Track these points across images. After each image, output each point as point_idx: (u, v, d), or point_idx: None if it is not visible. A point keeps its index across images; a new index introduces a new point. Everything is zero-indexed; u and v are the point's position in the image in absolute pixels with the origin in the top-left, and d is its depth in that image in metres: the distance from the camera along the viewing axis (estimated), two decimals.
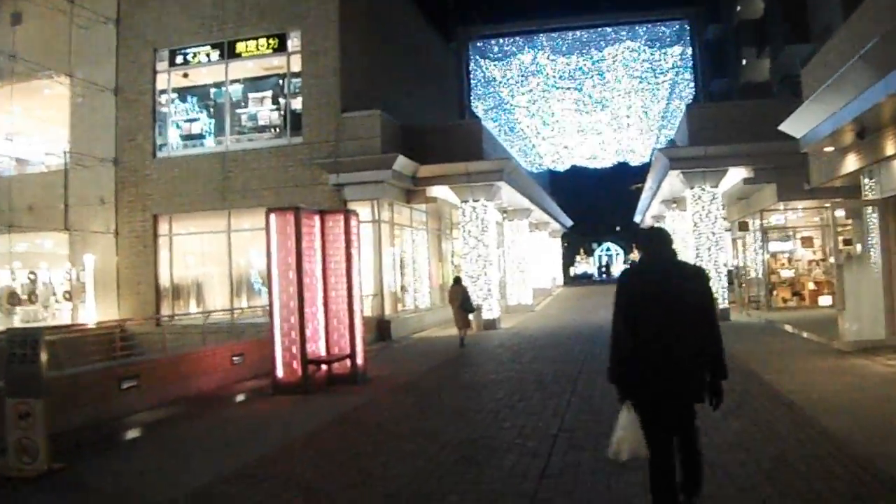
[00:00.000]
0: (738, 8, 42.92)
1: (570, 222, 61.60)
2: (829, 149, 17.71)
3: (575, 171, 60.41)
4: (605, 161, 55.85)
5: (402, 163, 24.92)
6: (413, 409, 12.06)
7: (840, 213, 27.92)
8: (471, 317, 22.68)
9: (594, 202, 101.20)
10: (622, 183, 68.10)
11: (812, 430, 8.92)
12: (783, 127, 18.66)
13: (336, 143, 25.26)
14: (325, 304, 14.99)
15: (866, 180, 17.34)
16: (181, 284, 27.51)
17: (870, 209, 16.83)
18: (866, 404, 10.38)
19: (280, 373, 14.07)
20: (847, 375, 12.77)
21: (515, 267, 36.96)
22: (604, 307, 37.27)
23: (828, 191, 23.00)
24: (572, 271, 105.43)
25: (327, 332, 15.02)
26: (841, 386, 11.84)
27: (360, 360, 15.15)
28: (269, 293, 14.26)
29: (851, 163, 17.32)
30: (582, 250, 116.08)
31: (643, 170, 46.06)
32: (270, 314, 14.18)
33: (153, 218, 27.29)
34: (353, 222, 15.29)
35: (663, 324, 5.51)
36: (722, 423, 9.05)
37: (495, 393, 12.77)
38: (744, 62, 43.32)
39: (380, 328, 24.22)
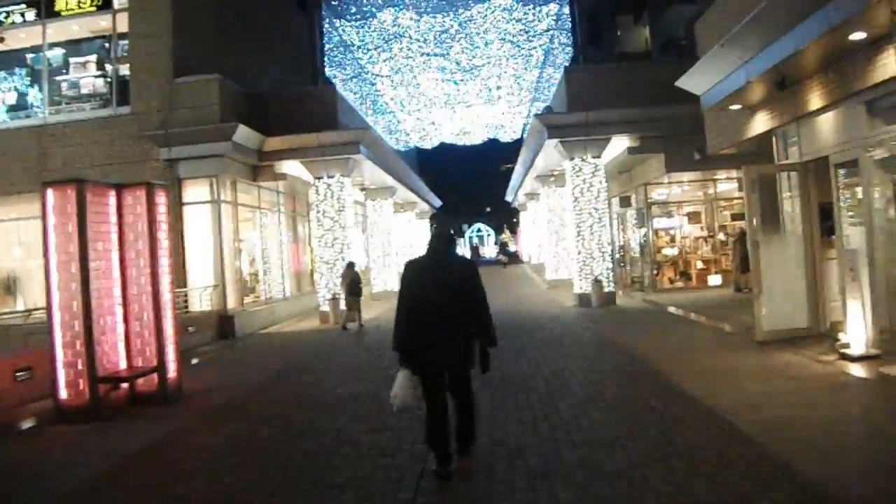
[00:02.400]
0: None
1: (439, 203, 58.95)
2: (736, 107, 15.26)
3: (443, 148, 57.80)
4: (474, 137, 53.28)
5: (244, 134, 21.53)
6: (226, 446, 8.79)
7: (729, 185, 26.25)
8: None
9: (464, 181, 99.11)
10: (493, 161, 66.22)
11: (783, 477, 6.17)
12: (681, 83, 16.10)
13: (168, 113, 21.65)
14: (125, 304, 11.60)
15: (779, 143, 14.93)
16: None
17: (785, 175, 14.39)
18: (831, 427, 7.74)
19: (63, 394, 10.70)
20: (781, 378, 10.20)
21: (380, 250, 33.84)
22: None
23: (721, 160, 20.90)
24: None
25: (128, 340, 11.64)
26: (785, 396, 9.20)
27: (171, 373, 11.87)
28: (47, 292, 10.79)
29: (762, 123, 14.90)
30: (452, 231, 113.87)
31: (515, 147, 43.64)
32: (49, 319, 10.74)
33: None
34: (160, 198, 11.94)
35: (431, 306, 6.84)
36: (666, 475, 6.43)
37: (337, 418, 9.64)
38: (618, 33, 41.22)
39: (221, 324, 20.93)
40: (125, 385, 11.43)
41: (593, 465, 6.87)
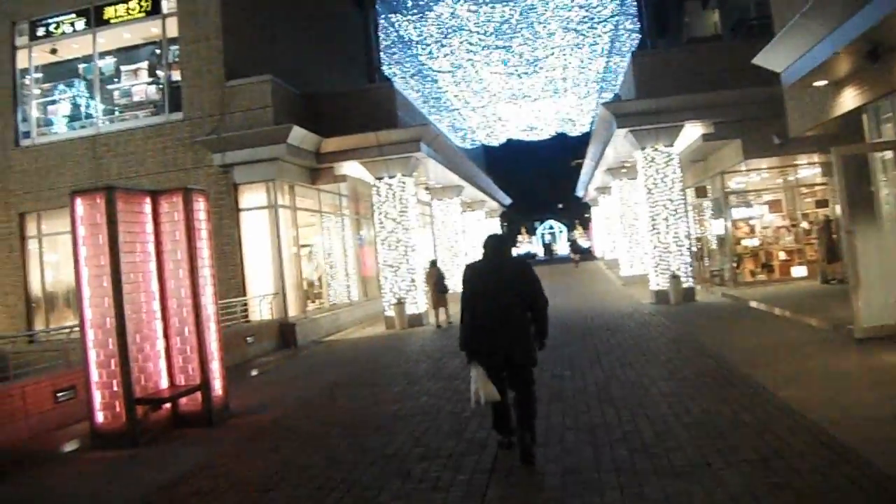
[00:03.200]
0: None
1: (508, 200, 57.85)
2: (822, 83, 13.95)
3: (511, 145, 56.63)
4: (542, 133, 51.83)
5: (299, 135, 20.79)
6: (261, 477, 7.86)
7: (811, 171, 24.75)
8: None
9: (534, 178, 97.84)
10: (562, 156, 65.05)
11: None
12: (758, 60, 14.82)
13: (221, 117, 21.08)
14: (165, 319, 10.84)
15: (871, 121, 13.57)
16: (56, 292, 23.33)
17: (879, 156, 13.04)
18: None
19: (99, 417, 10.01)
20: (893, 384, 8.94)
21: (448, 251, 32.89)
22: (551, 290, 33.35)
23: (803, 144, 19.64)
24: (515, 252, 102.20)
25: (169, 357, 10.88)
26: None
27: (217, 391, 11.08)
28: (79, 307, 10.09)
29: (851, 98, 13.55)
30: (524, 229, 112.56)
31: (584, 141, 42.26)
32: (82, 338, 10.04)
33: (19, 217, 23.24)
34: (199, 204, 11.13)
35: (494, 305, 7.37)
36: None
37: (388, 442, 8.68)
38: (686, 19, 39.65)
39: (283, 333, 20.30)
40: (167, 406, 10.69)
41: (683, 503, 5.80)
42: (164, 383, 10.79)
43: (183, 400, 10.80)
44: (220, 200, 20.75)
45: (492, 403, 7.39)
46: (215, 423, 10.76)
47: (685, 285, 21.65)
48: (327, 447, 8.76)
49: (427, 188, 30.73)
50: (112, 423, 9.92)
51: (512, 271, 7.62)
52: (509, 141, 54.34)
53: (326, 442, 9.04)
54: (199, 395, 10.77)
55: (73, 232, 10.01)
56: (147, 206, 10.78)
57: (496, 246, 7.81)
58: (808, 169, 24.55)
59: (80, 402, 11.00)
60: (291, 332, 20.34)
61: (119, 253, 9.89)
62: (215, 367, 11.08)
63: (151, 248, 10.77)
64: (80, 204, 10.02)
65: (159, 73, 22.58)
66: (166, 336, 10.85)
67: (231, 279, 20.67)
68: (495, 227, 61.22)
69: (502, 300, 7.35)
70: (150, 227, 10.78)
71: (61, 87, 23.65)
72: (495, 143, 54.15)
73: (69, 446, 10.16)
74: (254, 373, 16.33)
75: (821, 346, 12.10)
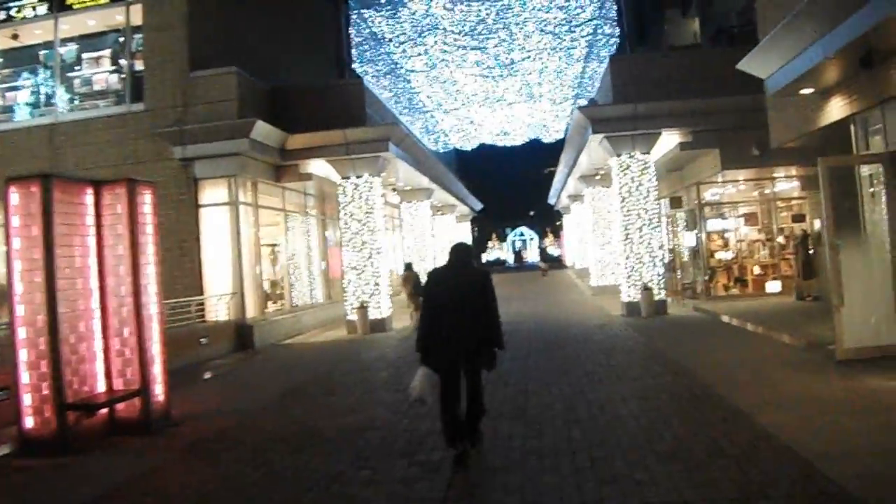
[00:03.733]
0: None
1: (479, 205, 57.22)
2: (807, 90, 13.40)
3: (484, 150, 56.03)
4: (515, 138, 51.34)
5: (263, 131, 20.04)
6: (195, 494, 7.15)
7: (788, 184, 24.31)
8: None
9: (506, 184, 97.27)
10: (535, 163, 64.47)
11: None
12: (742, 65, 14.24)
13: (183, 109, 20.27)
14: (104, 319, 10.05)
15: (859, 132, 13.02)
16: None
17: (866, 170, 12.48)
18: None
19: (28, 423, 9.23)
20: (882, 412, 8.34)
21: (416, 254, 32.17)
22: (518, 299, 33.14)
23: (783, 156, 19.29)
24: (484, 258, 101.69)
25: (107, 359, 10.08)
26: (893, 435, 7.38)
27: (158, 397, 10.29)
28: (10, 303, 9.29)
29: (838, 108, 13.01)
30: (494, 236, 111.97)
31: (557, 148, 41.71)
32: (12, 336, 9.24)
33: None
34: (144, 196, 10.34)
35: (453, 310, 7.56)
36: None
37: (335, 460, 7.97)
38: (665, 27, 39.24)
39: (239, 335, 19.51)
40: (104, 411, 9.89)
41: None
42: (101, 387, 9.98)
43: (120, 406, 10.01)
44: (180, 195, 20.04)
45: (442, 408, 7.54)
46: (154, 431, 9.97)
47: (657, 298, 21.07)
48: (269, 464, 8.02)
49: (395, 189, 29.91)
50: (41, 430, 9.14)
51: (473, 280, 7.83)
52: (482, 146, 53.77)
53: (269, 457, 8.29)
54: (137, 400, 9.99)
55: (6, 222, 9.21)
56: (89, 198, 9.99)
57: (461, 254, 8.02)
58: (786, 182, 24.14)
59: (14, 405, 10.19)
60: (249, 333, 19.58)
61: (53, 246, 9.11)
62: (157, 370, 10.29)
63: (92, 242, 9.98)
64: (13, 192, 9.23)
65: (122, 61, 21.76)
66: (105, 337, 10.05)
67: (188, 277, 19.87)
68: (465, 231, 60.65)
69: (462, 306, 7.58)
70: (90, 220, 9.99)
71: (20, 73, 22.78)
72: (468, 147, 53.54)
73: (0, 451, 9.36)
74: (206, 375, 15.61)
75: (800, 367, 11.50)
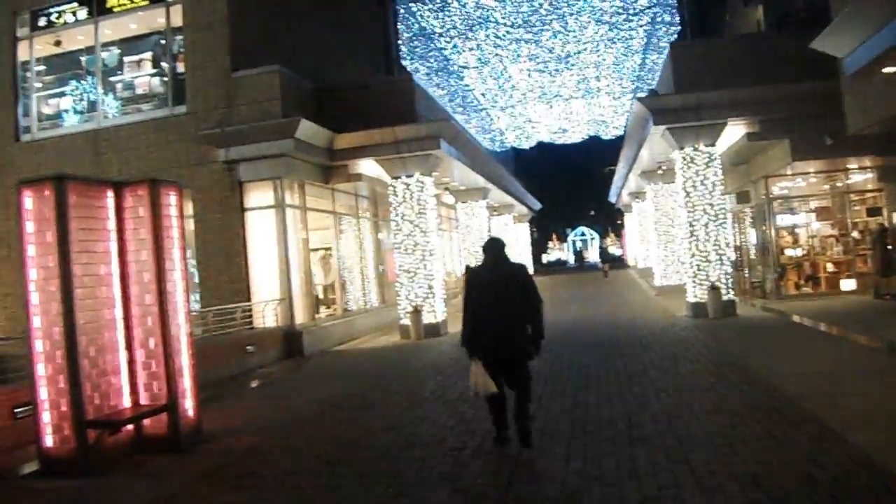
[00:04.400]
0: None
1: (538, 205, 56.20)
2: (892, 69, 12.27)
3: (542, 147, 54.87)
4: (574, 135, 50.06)
5: (308, 130, 19.33)
6: None
7: (861, 176, 22.96)
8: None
9: (566, 183, 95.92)
10: (595, 160, 63.39)
11: None
12: (816, 44, 13.25)
13: (226, 110, 19.69)
14: (128, 329, 9.36)
15: None
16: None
17: None
18: None
19: (48, 441, 8.61)
20: None
21: (472, 256, 31.29)
22: (578, 300, 32.02)
23: (857, 145, 18.27)
24: (545, 259, 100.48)
25: (132, 373, 9.39)
26: None
27: (188, 411, 9.58)
28: (27, 315, 8.67)
29: None
30: (554, 236, 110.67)
31: (617, 145, 40.53)
32: (30, 349, 8.61)
33: None
34: (169, 198, 9.63)
35: (493, 305, 7.87)
36: None
37: (372, 484, 7.15)
38: (728, 18, 37.86)
39: (288, 342, 18.85)
40: (130, 427, 9.21)
41: None
42: (125, 402, 9.31)
43: (147, 422, 9.32)
44: (224, 199, 19.50)
45: (489, 400, 7.96)
46: (184, 448, 9.27)
47: (725, 298, 19.87)
48: (296, 489, 7.24)
49: (447, 188, 28.98)
50: (61, 448, 8.52)
51: (510, 273, 8.18)
52: (540, 144, 52.59)
53: (298, 481, 7.52)
54: (165, 416, 9.29)
55: (21, 229, 8.59)
56: (109, 200, 9.31)
57: (495, 249, 8.36)
58: (859, 174, 22.75)
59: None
60: (298, 340, 18.89)
61: (69, 252, 8.46)
62: (186, 384, 9.58)
63: (113, 247, 9.30)
64: (27, 196, 8.59)
65: (164, 64, 21.29)
66: (129, 349, 9.36)
67: (235, 283, 19.30)
68: (524, 232, 59.66)
69: (501, 300, 7.89)
70: (111, 225, 9.31)
71: (63, 79, 22.43)
72: (526, 145, 52.44)
73: (27, 468, 8.77)
74: (254, 384, 15.04)
75: (888, 375, 10.40)
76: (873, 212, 22.38)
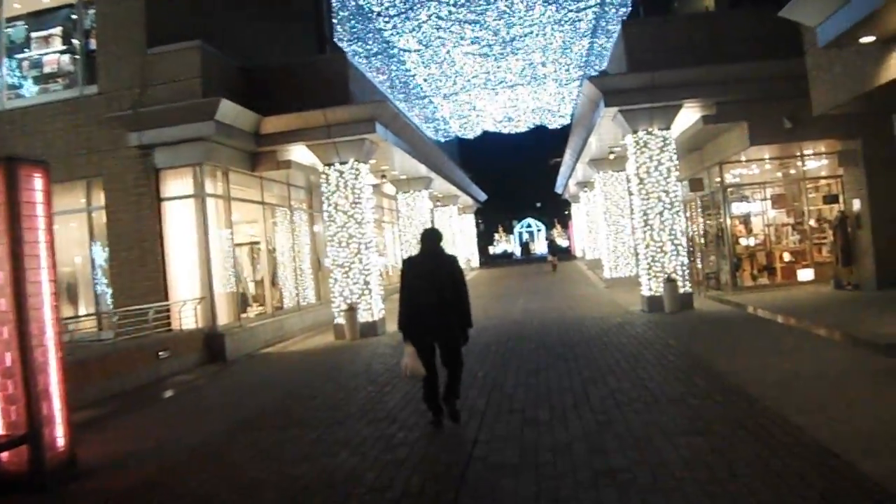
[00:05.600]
0: None
1: (484, 196, 54.82)
2: (868, 39, 11.01)
3: (487, 137, 53.58)
4: (520, 125, 48.82)
5: (231, 112, 17.63)
6: None
7: (816, 162, 21.95)
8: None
9: (511, 174, 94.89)
10: (541, 151, 62.36)
11: None
12: (786, 12, 11.87)
13: (141, 90, 17.90)
14: None
15: None
16: None
17: None
18: None
19: None
20: None
21: (414, 249, 29.77)
22: (526, 293, 30.52)
23: (818, 128, 17.53)
24: (491, 250, 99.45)
25: None
26: None
27: (58, 441, 7.90)
28: None
29: None
30: (501, 228, 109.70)
31: (563, 135, 39.28)
32: None
33: None
34: (33, 181, 7.92)
35: (426, 291, 8.40)
36: None
37: None
38: (676, 4, 36.67)
39: (209, 346, 17.10)
40: None
41: None
42: None
43: (4, 455, 7.65)
44: (139, 188, 17.70)
45: (423, 380, 8.48)
46: (49, 488, 7.60)
47: (682, 291, 18.63)
48: None
49: (384, 176, 27.22)
50: None
51: (443, 263, 8.68)
52: (485, 133, 51.24)
53: None
54: (25, 449, 7.62)
55: None
56: None
57: (432, 240, 8.84)
58: (815, 160, 21.73)
59: None
60: (220, 343, 17.21)
61: None
62: (55, 408, 7.88)
63: None
64: None
65: (75, 40, 19.37)
66: None
67: (150, 281, 17.55)
68: (469, 223, 58.41)
69: (435, 287, 8.41)
70: None
71: None
72: (470, 135, 51.02)
73: None
74: (165, 394, 13.47)
75: (874, 376, 9.12)
76: (830, 199, 21.42)
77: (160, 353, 15.29)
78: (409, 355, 8.25)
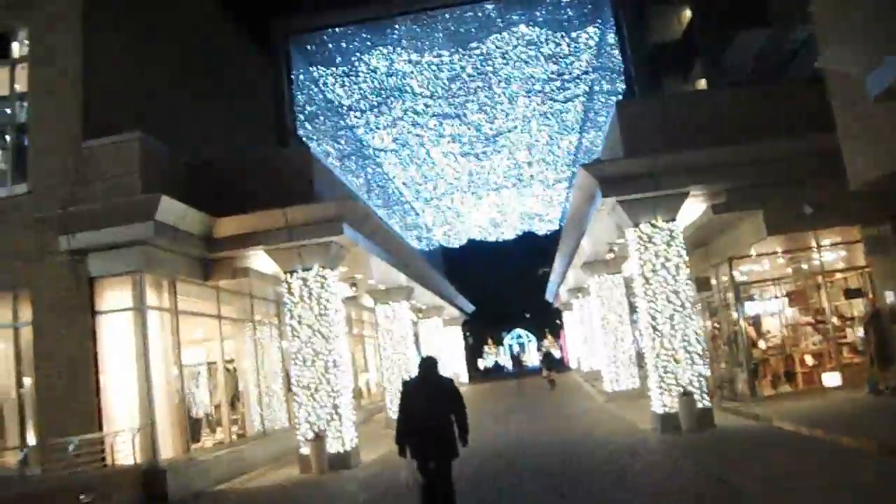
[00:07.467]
0: (651, 33, 34.70)
1: (471, 307, 52.63)
2: None
3: (473, 245, 51.78)
4: (506, 232, 47.12)
5: (175, 211, 15.50)
6: None
7: (833, 254, 20.00)
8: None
9: (499, 284, 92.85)
10: (530, 259, 60.61)
11: None
12: (824, 62, 9.89)
13: (73, 188, 15.82)
14: None
15: None
16: None
17: None
18: None
19: None
20: None
21: (396, 366, 27.24)
22: (520, 411, 27.82)
23: (843, 213, 16.39)
24: (482, 364, 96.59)
25: None
26: None
27: None
28: None
29: None
30: (490, 340, 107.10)
31: (553, 241, 37.34)
32: None
33: None
34: None
35: (424, 409, 8.84)
36: None
37: None
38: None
39: (148, 484, 14.47)
40: None
41: None
42: None
43: None
44: (69, 300, 15.40)
45: (422, 490, 8.68)
46: None
47: (700, 405, 16.16)
48: None
49: (353, 284, 24.77)
50: None
51: (440, 383, 9.28)
52: (470, 241, 49.44)
53: None
54: None
55: None
56: None
57: (428, 366, 9.33)
58: (831, 252, 19.88)
59: None
60: (161, 480, 14.56)
61: None
62: None
63: None
64: None
65: (7, 136, 17.46)
66: None
67: (83, 406, 15.04)
68: (456, 336, 56.01)
69: (431, 405, 8.92)
70: None
71: None
72: (455, 243, 49.16)
73: None
74: None
75: None
76: (852, 293, 19.39)
77: (81, 497, 12.61)
78: (409, 466, 8.68)
